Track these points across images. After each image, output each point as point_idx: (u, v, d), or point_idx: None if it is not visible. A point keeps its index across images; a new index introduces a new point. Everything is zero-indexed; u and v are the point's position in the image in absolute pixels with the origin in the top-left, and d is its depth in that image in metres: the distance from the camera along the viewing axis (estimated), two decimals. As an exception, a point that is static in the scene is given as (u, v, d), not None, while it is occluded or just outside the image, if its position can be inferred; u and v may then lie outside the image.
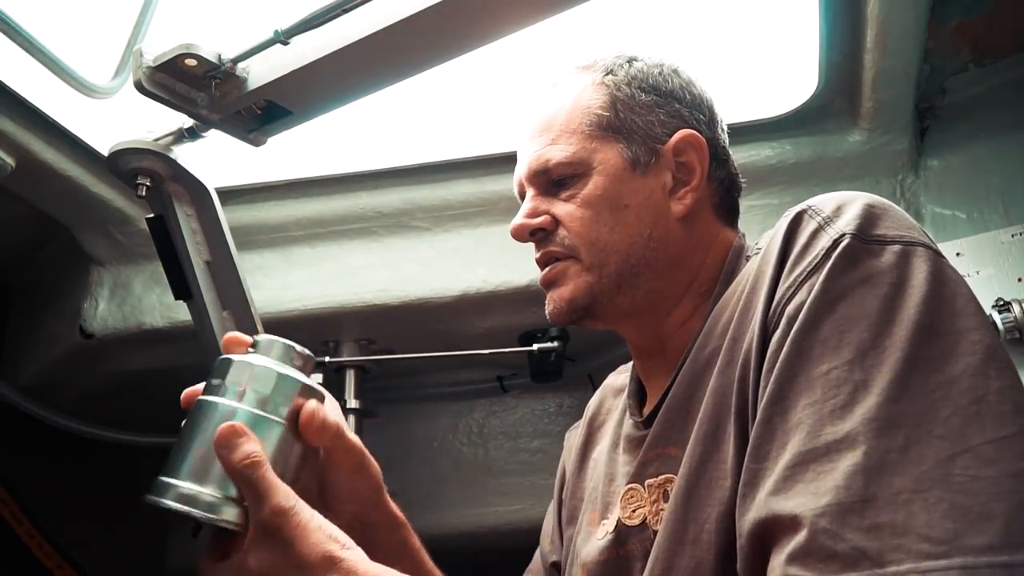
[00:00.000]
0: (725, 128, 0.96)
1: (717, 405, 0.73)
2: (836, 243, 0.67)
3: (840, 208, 0.70)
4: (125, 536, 2.05)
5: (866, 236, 0.67)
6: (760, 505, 0.61)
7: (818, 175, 1.58)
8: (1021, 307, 1.32)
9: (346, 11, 0.96)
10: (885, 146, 1.53)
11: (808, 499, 0.57)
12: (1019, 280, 1.39)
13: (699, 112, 0.93)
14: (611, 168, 0.88)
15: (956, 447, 0.56)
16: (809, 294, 0.66)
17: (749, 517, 0.62)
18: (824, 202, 0.73)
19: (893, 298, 0.63)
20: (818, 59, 1.43)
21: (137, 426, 1.91)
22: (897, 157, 1.54)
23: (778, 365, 0.65)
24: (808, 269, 0.68)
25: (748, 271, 0.80)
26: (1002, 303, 1.34)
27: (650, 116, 0.90)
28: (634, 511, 0.84)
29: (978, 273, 1.42)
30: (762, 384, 0.67)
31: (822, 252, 0.67)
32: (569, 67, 0.97)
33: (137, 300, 1.68)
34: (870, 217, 0.68)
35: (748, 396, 0.69)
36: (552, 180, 0.91)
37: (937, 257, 0.66)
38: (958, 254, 1.45)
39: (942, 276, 0.64)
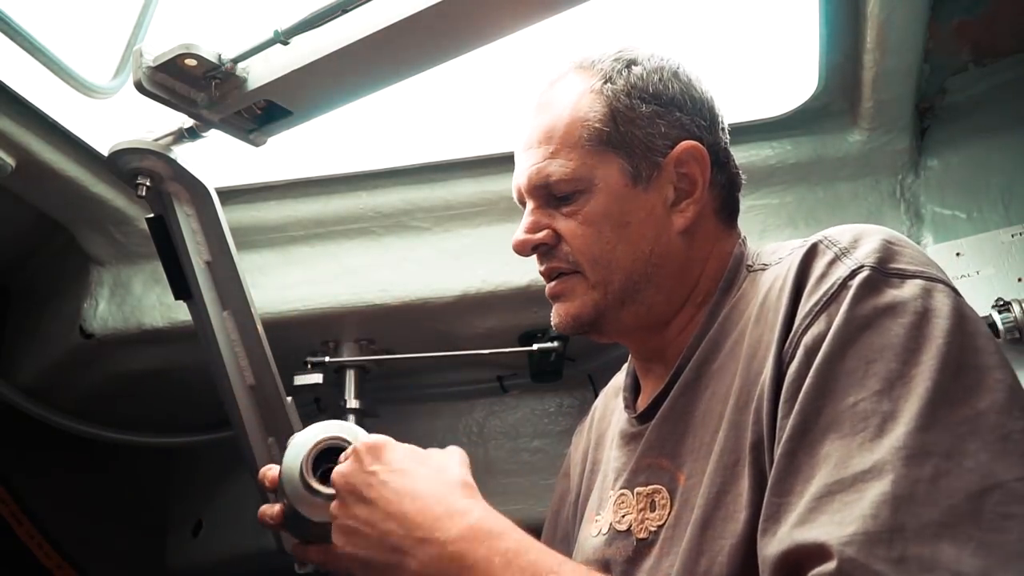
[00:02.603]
0: (726, 127, 0.95)
1: (736, 439, 0.73)
2: (854, 273, 0.67)
3: (857, 240, 0.71)
4: (125, 536, 2.05)
5: (886, 269, 0.67)
6: (783, 538, 0.60)
7: (818, 175, 1.58)
8: (1021, 307, 1.32)
9: (346, 11, 0.96)
10: (885, 146, 1.53)
11: (834, 528, 0.56)
12: (1019, 280, 1.39)
13: (700, 118, 0.90)
14: (612, 185, 0.87)
15: (986, 482, 0.56)
16: (828, 324, 0.66)
17: (771, 551, 0.61)
18: (839, 234, 0.73)
19: (919, 327, 0.63)
20: (818, 59, 1.42)
21: (137, 426, 1.91)
22: (897, 157, 1.54)
23: (801, 397, 0.64)
24: (825, 299, 0.68)
25: (757, 290, 0.81)
26: (1002, 303, 1.34)
27: (650, 128, 0.87)
28: (623, 516, 0.85)
29: (978, 273, 1.42)
30: (780, 414, 0.67)
31: (839, 282, 0.68)
32: (567, 64, 0.94)
33: (137, 300, 1.68)
34: (888, 251, 0.69)
35: (763, 429, 0.69)
36: (553, 195, 0.89)
37: (956, 295, 0.67)
38: (958, 254, 1.45)
39: (964, 312, 0.65)
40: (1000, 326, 1.31)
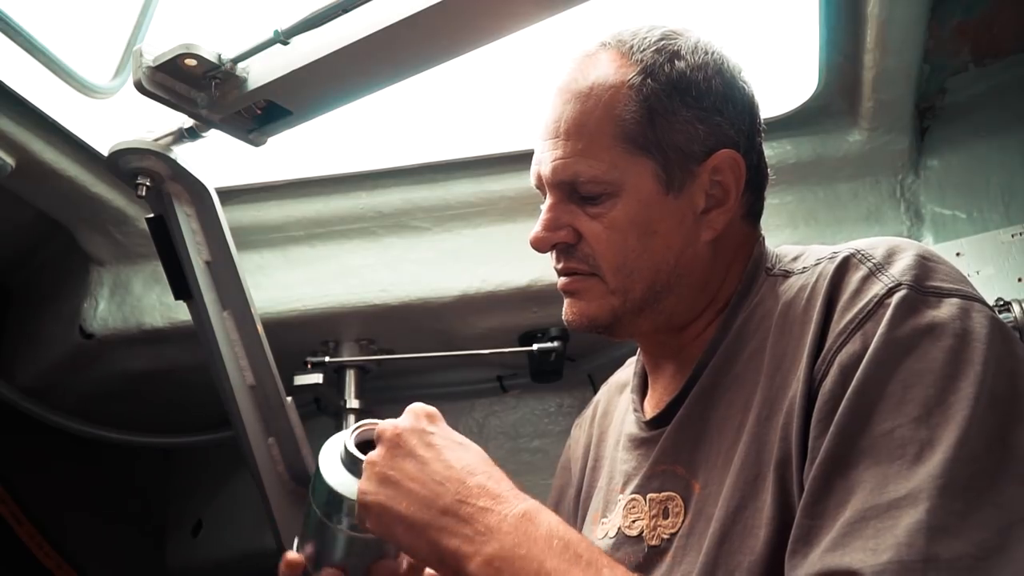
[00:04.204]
0: (762, 124, 0.89)
1: (758, 453, 0.72)
2: (891, 291, 0.66)
3: (891, 255, 0.70)
4: (125, 536, 2.05)
5: (923, 287, 0.67)
6: (814, 561, 0.60)
7: (818, 175, 1.58)
8: (1021, 307, 1.32)
9: (346, 11, 0.96)
10: (885, 146, 1.53)
11: (867, 555, 0.57)
12: (1019, 280, 1.39)
13: (740, 122, 0.85)
14: (643, 191, 0.82)
15: (1013, 516, 0.57)
16: (864, 344, 0.65)
17: (801, 574, 0.61)
18: (872, 247, 0.72)
19: (958, 351, 0.63)
20: (818, 59, 1.42)
21: (137, 426, 1.91)
22: (897, 157, 1.54)
23: (837, 420, 0.64)
24: (861, 316, 0.67)
25: (778, 297, 0.79)
26: (1002, 303, 1.34)
27: (689, 132, 0.82)
28: (633, 522, 0.84)
29: (978, 273, 1.42)
30: (812, 434, 0.66)
31: (875, 299, 0.67)
32: (599, 41, 0.87)
33: (137, 300, 1.68)
34: (924, 268, 0.68)
35: (791, 447, 0.69)
36: (577, 192, 0.84)
37: (993, 313, 0.66)
38: (958, 254, 1.45)
39: (1002, 334, 0.65)
40: (1000, 326, 1.32)
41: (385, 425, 0.76)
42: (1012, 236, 1.43)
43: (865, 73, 1.39)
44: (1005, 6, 1.38)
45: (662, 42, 0.84)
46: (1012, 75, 1.48)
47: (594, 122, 0.82)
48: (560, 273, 0.88)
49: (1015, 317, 1.32)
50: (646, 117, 0.81)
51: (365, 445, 0.80)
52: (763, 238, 0.90)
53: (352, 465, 0.78)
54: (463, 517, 0.69)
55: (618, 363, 1.12)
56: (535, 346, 1.70)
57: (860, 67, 1.39)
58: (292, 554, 0.82)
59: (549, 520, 0.69)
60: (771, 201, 1.65)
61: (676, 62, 0.83)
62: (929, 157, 1.56)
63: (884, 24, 1.29)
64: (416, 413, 0.77)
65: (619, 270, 0.83)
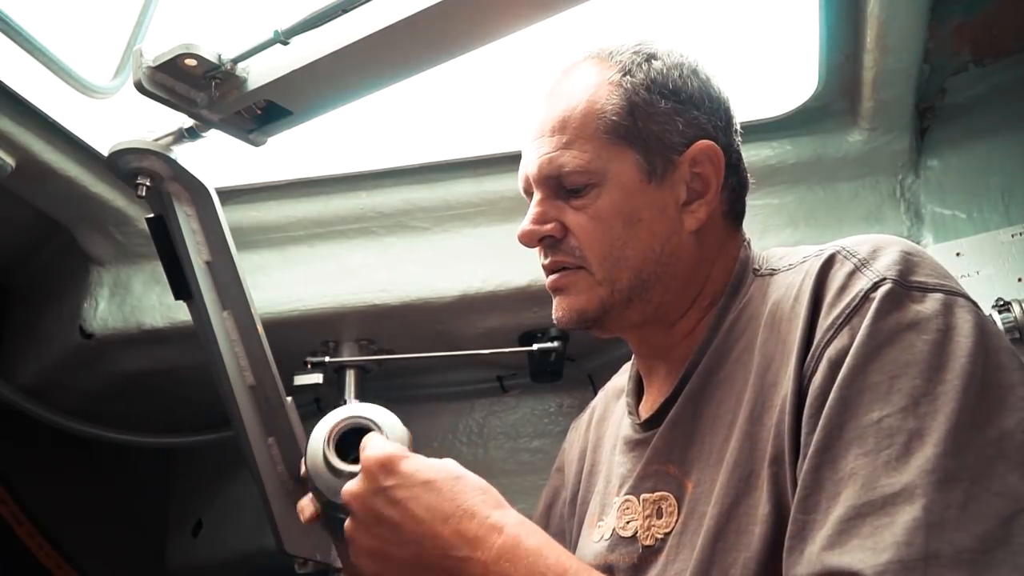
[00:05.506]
0: (739, 128, 0.93)
1: (751, 450, 0.73)
2: (876, 286, 0.67)
3: (876, 252, 0.71)
4: (125, 536, 2.05)
5: (907, 282, 0.67)
6: (812, 560, 0.60)
7: (818, 175, 1.58)
8: (1021, 307, 1.32)
9: (346, 11, 0.96)
10: (885, 146, 1.53)
11: (867, 555, 0.57)
12: (1019, 280, 1.39)
13: (716, 118, 0.88)
14: (626, 180, 0.85)
15: (1015, 505, 0.56)
16: (851, 338, 0.66)
17: (800, 572, 0.61)
18: (857, 244, 0.73)
19: (942, 344, 0.63)
20: (818, 59, 1.43)
21: (137, 426, 1.91)
22: (897, 157, 1.54)
23: (825, 412, 0.64)
24: (847, 311, 0.67)
25: (766, 296, 0.80)
26: (1002, 303, 1.34)
27: (668, 124, 0.85)
28: (627, 523, 0.84)
29: (978, 273, 1.42)
30: (804, 430, 0.66)
31: (861, 294, 0.67)
32: (581, 53, 0.91)
33: (137, 300, 1.68)
34: (908, 263, 0.69)
35: (784, 444, 0.69)
36: (563, 186, 0.86)
37: (977, 308, 0.67)
38: (958, 254, 1.45)
39: (986, 328, 0.65)
40: (1000, 326, 1.32)
41: (349, 489, 0.76)
42: (1012, 236, 1.43)
43: (865, 73, 1.39)
44: (1005, 6, 1.38)
45: (639, 46, 0.89)
46: (1012, 75, 1.48)
47: (577, 117, 0.86)
48: (548, 269, 0.90)
49: (1015, 317, 1.32)
50: (626, 109, 0.85)
51: (352, 435, 0.81)
52: (748, 241, 0.91)
53: (333, 471, 0.80)
54: (448, 570, 0.71)
55: (618, 363, 1.12)
56: (535, 346, 1.70)
57: (860, 67, 1.39)
58: None
59: (529, 551, 0.70)
60: (771, 201, 1.65)
61: (653, 61, 0.88)
62: (929, 157, 1.56)
63: (884, 24, 1.29)
64: (370, 471, 0.75)
65: (605, 259, 0.85)
